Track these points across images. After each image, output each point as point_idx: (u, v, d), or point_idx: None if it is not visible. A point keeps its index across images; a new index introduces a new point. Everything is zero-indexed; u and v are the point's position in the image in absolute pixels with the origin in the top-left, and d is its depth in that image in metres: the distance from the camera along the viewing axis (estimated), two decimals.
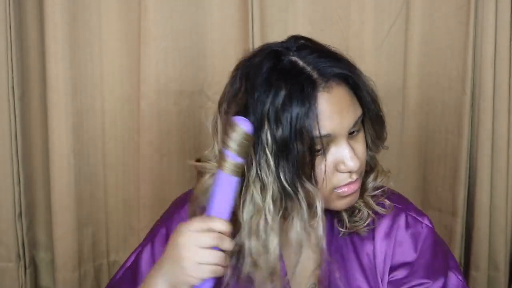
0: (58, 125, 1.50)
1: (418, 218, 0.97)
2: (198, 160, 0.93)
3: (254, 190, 0.84)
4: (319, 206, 0.84)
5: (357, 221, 0.93)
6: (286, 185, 0.83)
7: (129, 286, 0.98)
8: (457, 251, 1.58)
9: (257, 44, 1.51)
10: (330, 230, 0.95)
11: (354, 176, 0.87)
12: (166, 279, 0.84)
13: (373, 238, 0.95)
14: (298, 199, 0.84)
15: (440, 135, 1.58)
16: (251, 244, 0.85)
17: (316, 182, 0.85)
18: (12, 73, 1.51)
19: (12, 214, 1.56)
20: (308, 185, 0.84)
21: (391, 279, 0.94)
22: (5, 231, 1.57)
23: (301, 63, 0.85)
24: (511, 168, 1.53)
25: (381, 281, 0.94)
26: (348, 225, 0.93)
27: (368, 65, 1.53)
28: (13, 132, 1.53)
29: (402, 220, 0.96)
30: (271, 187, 0.83)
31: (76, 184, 1.55)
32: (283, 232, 0.87)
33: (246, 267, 0.86)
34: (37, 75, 1.56)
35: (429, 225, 0.97)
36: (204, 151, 1.67)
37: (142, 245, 1.01)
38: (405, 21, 1.55)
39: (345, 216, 0.94)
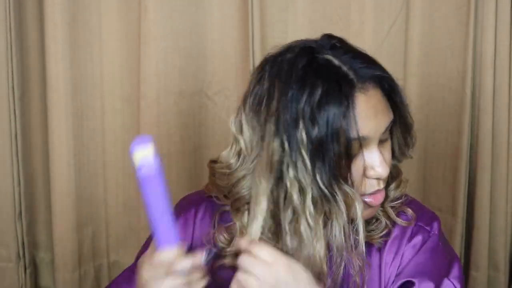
0: (58, 125, 1.50)
1: (427, 227, 0.94)
2: (214, 162, 0.90)
3: (293, 193, 0.80)
4: (358, 208, 0.81)
5: (373, 230, 0.91)
6: (324, 187, 0.79)
7: (126, 287, 0.98)
8: (457, 251, 1.58)
9: (257, 44, 1.51)
10: None
11: (382, 184, 0.85)
12: None
13: (380, 250, 0.92)
14: (336, 201, 0.80)
15: (440, 135, 1.58)
16: (294, 249, 0.82)
17: (352, 185, 0.82)
18: (12, 73, 1.51)
19: (12, 214, 1.57)
20: (346, 187, 0.81)
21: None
22: (5, 231, 1.57)
23: (336, 61, 0.82)
24: (511, 168, 1.53)
25: None
26: (364, 232, 0.88)
27: None
28: (13, 132, 1.54)
29: (409, 232, 0.93)
30: (310, 189, 0.80)
31: (76, 184, 1.55)
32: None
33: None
34: (37, 75, 1.56)
35: (436, 232, 0.94)
36: (204, 151, 1.68)
37: (145, 246, 1.01)
38: (405, 21, 1.54)
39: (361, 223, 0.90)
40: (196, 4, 1.53)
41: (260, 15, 1.51)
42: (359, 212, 0.82)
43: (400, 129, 0.88)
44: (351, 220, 0.83)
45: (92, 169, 1.59)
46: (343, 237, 0.82)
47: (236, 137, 0.86)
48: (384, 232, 0.90)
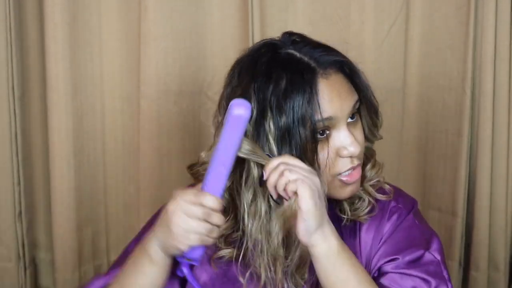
0: (58, 125, 1.50)
1: (403, 208, 0.98)
2: (193, 165, 0.96)
3: (256, 175, 0.86)
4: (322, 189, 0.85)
5: (358, 209, 0.96)
6: None
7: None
8: (457, 251, 1.58)
9: None
10: (335, 220, 0.96)
11: (356, 161, 0.89)
12: (159, 242, 0.87)
13: (360, 227, 0.97)
14: None
15: (440, 135, 1.58)
16: (252, 228, 0.87)
17: (319, 167, 0.87)
18: (12, 73, 1.51)
19: (12, 214, 1.57)
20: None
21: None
22: (5, 231, 1.57)
23: (298, 54, 0.88)
24: (511, 168, 1.53)
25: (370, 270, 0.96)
26: (349, 213, 0.95)
27: (368, 65, 1.53)
28: (13, 132, 1.54)
29: (387, 212, 0.98)
30: None
31: (76, 184, 1.55)
32: (284, 219, 0.88)
33: (248, 252, 0.89)
34: (37, 75, 1.56)
35: (411, 211, 0.99)
36: (203, 150, 1.68)
37: (144, 230, 1.03)
38: (405, 21, 1.54)
39: (346, 204, 0.96)
40: (196, 4, 1.53)
41: (260, 15, 1.51)
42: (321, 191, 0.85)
43: (367, 111, 0.93)
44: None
45: (92, 169, 1.59)
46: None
47: (214, 138, 0.91)
48: (368, 209, 0.96)
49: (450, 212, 1.58)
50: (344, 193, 0.91)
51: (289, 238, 0.89)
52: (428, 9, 1.53)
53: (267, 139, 0.85)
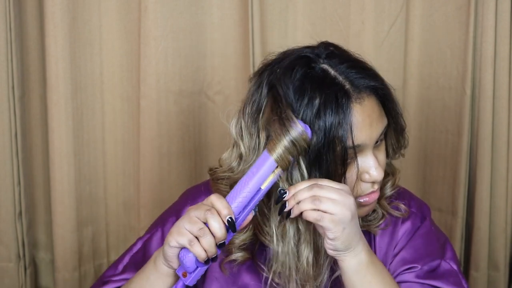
0: (58, 125, 1.50)
1: (418, 213, 0.98)
2: (213, 169, 0.93)
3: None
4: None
5: (370, 221, 0.95)
6: None
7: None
8: (457, 251, 1.58)
9: (257, 44, 1.51)
10: None
11: (376, 186, 0.88)
12: (163, 247, 0.86)
13: (375, 236, 0.97)
14: None
15: (440, 135, 1.58)
16: (279, 251, 0.86)
17: None
18: (12, 73, 1.51)
19: (12, 214, 1.57)
20: None
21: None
22: (5, 231, 1.57)
23: (332, 72, 0.85)
24: (511, 168, 1.53)
25: None
26: (361, 223, 0.94)
27: None
28: (13, 132, 1.53)
29: (401, 220, 0.98)
30: None
31: (76, 184, 1.55)
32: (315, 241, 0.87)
33: (274, 273, 0.88)
34: (37, 75, 1.56)
35: (426, 217, 0.99)
36: (204, 151, 1.68)
37: (151, 232, 1.02)
38: (405, 21, 1.54)
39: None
40: (196, 4, 1.53)
41: (260, 15, 1.51)
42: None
43: (393, 132, 0.92)
44: None
45: (92, 169, 1.59)
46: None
47: (236, 142, 0.88)
48: (381, 222, 0.95)
49: (450, 212, 1.58)
50: (360, 212, 0.90)
51: (318, 255, 0.88)
52: (428, 9, 1.53)
53: (297, 160, 0.83)
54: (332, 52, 0.88)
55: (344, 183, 0.84)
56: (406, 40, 1.56)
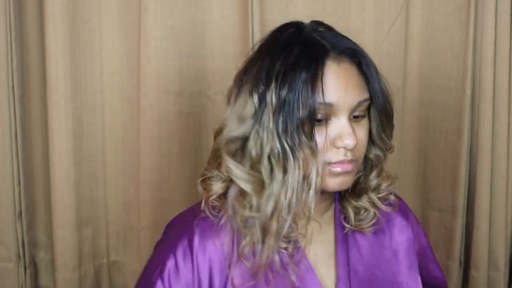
0: (58, 125, 1.50)
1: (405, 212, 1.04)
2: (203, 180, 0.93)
3: (253, 145, 0.85)
4: (314, 171, 0.84)
5: (362, 220, 0.95)
6: (285, 145, 0.84)
7: None
8: (457, 251, 1.58)
9: None
10: (340, 227, 0.97)
11: (349, 155, 0.87)
12: None
13: (391, 235, 1.00)
14: (294, 160, 0.84)
15: (440, 135, 1.58)
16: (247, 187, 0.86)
17: (315, 147, 0.85)
18: (12, 73, 1.51)
19: (12, 214, 1.56)
20: (306, 150, 0.84)
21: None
22: (5, 231, 1.57)
23: (318, 37, 0.87)
24: (511, 168, 1.53)
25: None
26: (353, 223, 0.95)
27: None
28: (13, 132, 1.53)
29: (411, 215, 1.04)
30: (270, 145, 0.84)
31: (76, 184, 1.55)
32: None
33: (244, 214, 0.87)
34: (37, 75, 1.56)
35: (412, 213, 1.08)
36: (204, 151, 1.68)
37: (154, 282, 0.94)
38: (405, 21, 1.55)
39: (351, 214, 0.95)
40: (196, 4, 1.53)
41: (260, 15, 1.51)
42: (314, 175, 0.85)
43: (377, 113, 0.91)
44: (305, 178, 0.85)
45: (92, 169, 1.59)
46: (294, 194, 0.84)
47: (226, 106, 0.91)
48: (373, 221, 0.95)
49: (450, 212, 1.58)
50: (332, 183, 0.88)
51: None
52: (428, 9, 1.53)
53: (267, 111, 0.84)
54: (322, 27, 0.90)
55: (315, 144, 0.84)
56: (406, 40, 1.56)
